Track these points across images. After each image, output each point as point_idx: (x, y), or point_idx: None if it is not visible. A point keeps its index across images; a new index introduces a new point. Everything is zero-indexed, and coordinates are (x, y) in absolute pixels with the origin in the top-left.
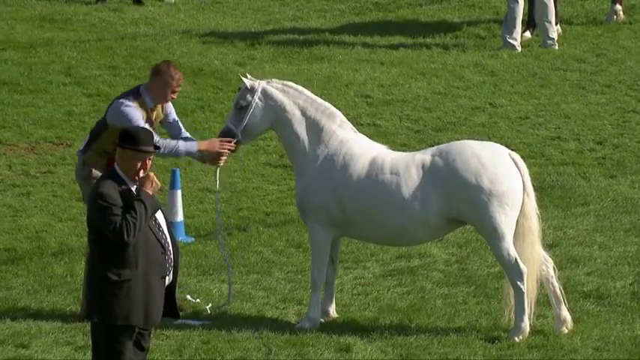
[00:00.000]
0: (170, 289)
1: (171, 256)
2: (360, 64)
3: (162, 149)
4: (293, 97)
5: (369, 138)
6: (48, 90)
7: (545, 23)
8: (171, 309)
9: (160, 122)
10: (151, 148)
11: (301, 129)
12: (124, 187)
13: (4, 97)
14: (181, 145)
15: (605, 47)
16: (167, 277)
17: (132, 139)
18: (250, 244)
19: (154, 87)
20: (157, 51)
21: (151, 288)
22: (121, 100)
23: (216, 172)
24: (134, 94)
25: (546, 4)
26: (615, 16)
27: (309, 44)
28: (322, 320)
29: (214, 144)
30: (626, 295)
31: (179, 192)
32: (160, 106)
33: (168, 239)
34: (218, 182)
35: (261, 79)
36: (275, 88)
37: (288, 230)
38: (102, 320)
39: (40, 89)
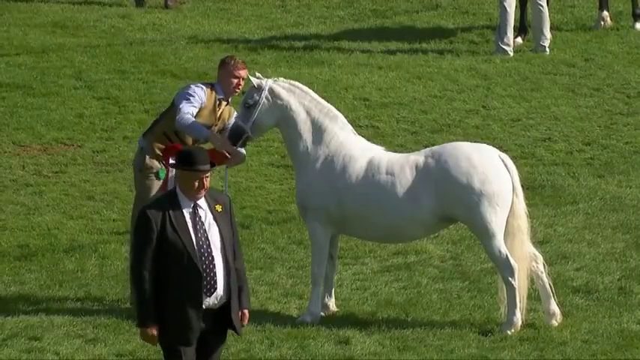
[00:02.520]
0: (226, 309)
1: (215, 279)
2: (359, 69)
3: (179, 121)
4: (299, 97)
5: (368, 139)
6: (60, 93)
7: (539, 31)
8: (231, 325)
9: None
10: (208, 167)
11: (304, 129)
12: (174, 208)
13: (18, 100)
14: (196, 124)
15: (593, 52)
16: (209, 299)
17: (188, 160)
18: (253, 241)
19: (221, 79)
20: (164, 56)
21: (185, 313)
22: (195, 83)
23: (225, 174)
24: (209, 83)
25: (542, 14)
26: (603, 23)
27: (309, 49)
28: (322, 314)
29: (226, 145)
30: (613, 290)
31: None
32: (227, 109)
33: (216, 262)
34: (226, 184)
35: (269, 77)
36: (282, 87)
37: (290, 228)
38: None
39: (52, 92)
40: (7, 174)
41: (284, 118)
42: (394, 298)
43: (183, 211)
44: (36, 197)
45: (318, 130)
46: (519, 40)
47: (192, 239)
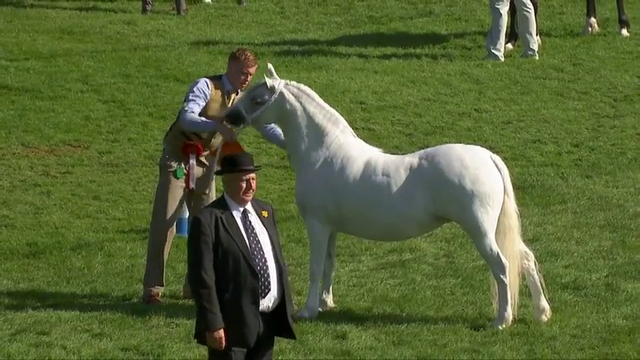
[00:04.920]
0: (279, 311)
1: (269, 280)
2: (355, 73)
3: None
4: (305, 102)
5: (365, 141)
6: (67, 97)
7: (527, 35)
8: (286, 330)
9: None
10: (251, 167)
11: (307, 133)
12: (225, 212)
13: (27, 103)
14: (198, 119)
15: (581, 57)
16: (263, 301)
17: (231, 163)
18: None
19: (230, 72)
20: (168, 61)
21: (243, 313)
22: (201, 78)
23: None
24: (215, 76)
25: (528, 18)
26: (590, 29)
27: (308, 54)
28: (320, 310)
29: (232, 134)
30: (600, 287)
31: None
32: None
33: (269, 263)
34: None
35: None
36: (291, 92)
37: (289, 226)
38: (198, 341)
39: (60, 96)
40: (16, 174)
41: (289, 121)
42: (389, 294)
43: (233, 213)
44: (44, 197)
45: (320, 134)
46: (510, 45)
47: (245, 241)
